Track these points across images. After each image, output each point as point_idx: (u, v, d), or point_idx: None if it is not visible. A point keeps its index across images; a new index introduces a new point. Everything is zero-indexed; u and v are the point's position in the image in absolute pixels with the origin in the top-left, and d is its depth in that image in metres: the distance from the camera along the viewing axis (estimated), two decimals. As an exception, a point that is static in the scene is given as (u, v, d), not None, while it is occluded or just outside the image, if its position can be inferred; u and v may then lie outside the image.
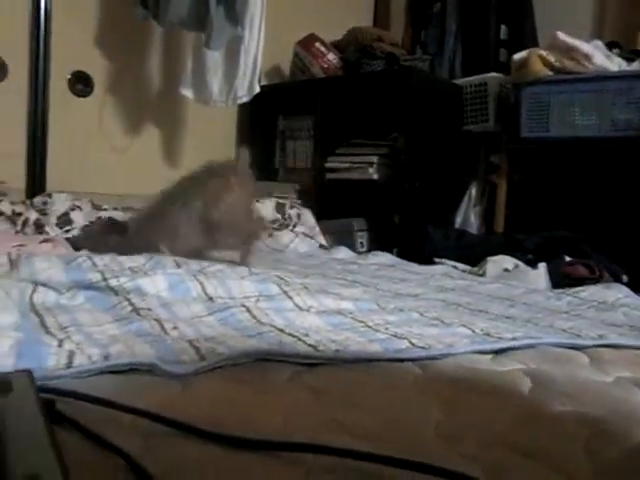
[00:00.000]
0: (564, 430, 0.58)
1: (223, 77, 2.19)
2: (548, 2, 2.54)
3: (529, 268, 1.70)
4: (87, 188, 2.10)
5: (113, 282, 1.03)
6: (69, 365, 0.65)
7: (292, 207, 2.29)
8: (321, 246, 2.15)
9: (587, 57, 1.99)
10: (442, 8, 2.72)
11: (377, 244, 2.28)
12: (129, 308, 0.94)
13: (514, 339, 0.87)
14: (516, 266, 1.73)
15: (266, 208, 2.21)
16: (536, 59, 2.02)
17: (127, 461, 0.41)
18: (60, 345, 0.72)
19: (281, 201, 2.30)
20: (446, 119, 2.40)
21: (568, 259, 1.75)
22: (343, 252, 1.95)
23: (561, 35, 2.03)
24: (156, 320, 0.87)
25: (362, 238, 2.32)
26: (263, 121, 2.68)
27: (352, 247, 2.13)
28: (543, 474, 0.49)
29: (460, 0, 2.67)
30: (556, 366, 0.77)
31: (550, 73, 2.06)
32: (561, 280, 1.59)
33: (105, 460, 0.43)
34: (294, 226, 2.20)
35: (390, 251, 2.04)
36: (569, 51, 2.01)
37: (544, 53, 2.05)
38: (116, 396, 0.54)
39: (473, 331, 0.93)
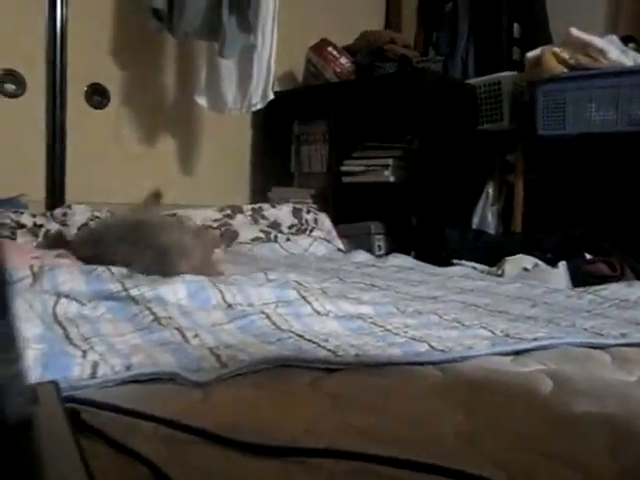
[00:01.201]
0: (587, 431, 0.57)
1: (237, 85, 2.21)
2: (561, -1, 2.52)
3: (549, 267, 1.69)
4: (105, 198, 2.13)
5: (134, 292, 1.05)
6: (93, 375, 0.66)
7: (309, 212, 2.30)
8: (339, 250, 2.15)
9: (602, 52, 1.97)
10: (454, 8, 2.72)
11: (394, 247, 2.28)
12: (150, 317, 0.95)
13: (535, 340, 0.87)
14: (535, 265, 1.72)
15: (283, 213, 2.22)
16: (550, 56, 2.00)
17: (152, 469, 0.42)
18: (84, 356, 0.73)
19: (298, 206, 2.31)
20: (460, 119, 2.39)
21: (588, 257, 1.73)
22: (361, 255, 1.96)
23: (575, 31, 2.01)
24: (177, 329, 0.88)
25: (379, 241, 2.32)
26: (278, 127, 2.69)
27: (370, 250, 2.14)
28: (566, 475, 0.48)
29: (472, 0, 2.66)
30: (578, 366, 0.76)
31: (565, 70, 2.04)
32: (582, 278, 1.57)
33: (130, 468, 0.44)
34: (311, 230, 2.21)
35: (408, 253, 2.03)
36: (584, 47, 1.99)
37: (558, 50, 2.03)
38: (139, 405, 0.55)
39: (493, 332, 0.92)
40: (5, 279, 0.13)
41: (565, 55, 2.00)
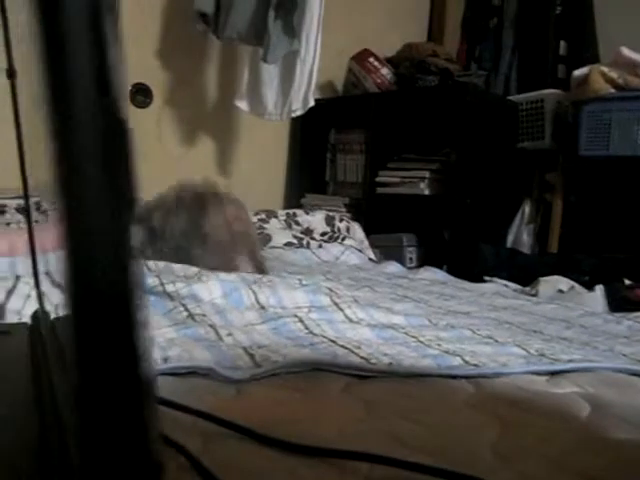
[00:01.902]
0: (625, 458, 0.56)
1: (278, 90, 2.23)
2: (611, 16, 2.48)
3: (585, 290, 1.65)
4: (144, 196, 2.17)
5: (169, 287, 1.06)
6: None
7: (342, 220, 2.30)
8: (370, 260, 2.15)
9: (652, 74, 1.93)
10: (499, 23, 2.70)
11: (426, 260, 2.26)
12: (185, 313, 0.97)
13: (571, 361, 0.85)
14: (571, 288, 1.68)
15: (316, 220, 2.23)
16: (598, 75, 1.97)
17: (190, 460, 0.42)
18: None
19: (331, 214, 2.31)
20: (500, 136, 2.37)
21: (627, 282, 1.68)
22: (393, 266, 1.95)
23: (625, 50, 1.97)
24: (211, 326, 0.89)
25: (411, 253, 2.31)
26: (315, 134, 2.71)
27: (401, 262, 2.12)
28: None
29: (518, 15, 2.64)
30: (616, 392, 0.75)
31: (612, 90, 2.00)
32: (620, 304, 1.53)
33: (170, 458, 0.45)
34: (343, 239, 2.21)
35: (439, 267, 2.01)
36: (634, 67, 1.95)
37: (606, 69, 1.99)
38: (175, 397, 0.55)
39: (527, 351, 0.91)
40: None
41: (613, 75, 1.96)
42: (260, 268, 1.40)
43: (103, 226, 0.13)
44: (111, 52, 0.14)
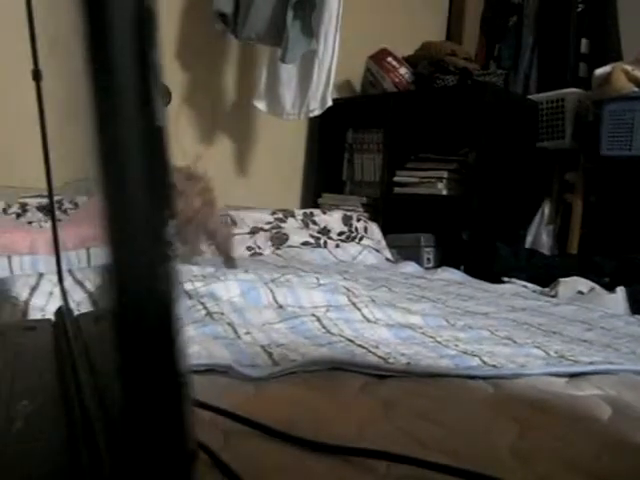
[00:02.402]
0: (649, 461, 0.55)
1: (296, 90, 2.24)
2: (634, 13, 2.44)
3: (605, 292, 1.63)
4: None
5: (188, 286, 1.07)
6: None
7: (359, 220, 2.30)
8: (387, 260, 2.14)
9: (676, 72, 1.90)
10: (518, 21, 2.67)
11: (443, 260, 2.25)
12: (203, 312, 0.97)
13: (592, 363, 0.84)
14: (591, 289, 1.66)
15: (333, 220, 2.23)
16: (620, 74, 1.94)
17: (212, 457, 0.43)
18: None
19: (348, 213, 2.31)
20: (520, 135, 2.35)
21: (649, 284, 1.66)
22: (410, 267, 1.94)
23: (648, 49, 1.95)
24: (229, 324, 0.89)
25: (429, 253, 2.30)
26: (332, 134, 2.71)
27: (418, 262, 2.12)
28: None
29: (538, 12, 2.61)
30: (638, 395, 0.74)
31: (635, 89, 1.97)
32: (643, 306, 1.51)
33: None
34: (360, 239, 2.21)
35: (457, 267, 2.00)
36: (657, 66, 1.93)
37: (629, 68, 1.96)
38: (195, 395, 0.56)
39: (547, 353, 0.90)
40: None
41: (637, 73, 1.93)
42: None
43: (144, 223, 0.14)
44: (154, 60, 0.15)
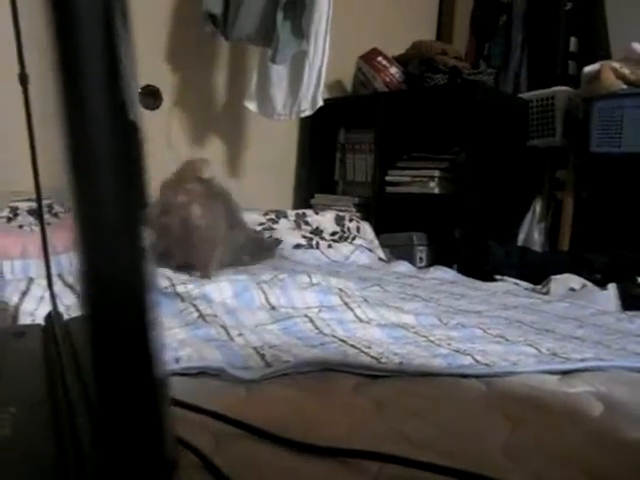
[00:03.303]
0: (638, 457, 0.55)
1: (287, 91, 2.23)
2: (622, 12, 2.45)
3: (597, 288, 1.64)
4: (154, 197, 2.18)
5: (180, 289, 1.07)
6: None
7: (351, 220, 2.30)
8: (380, 259, 2.15)
9: (664, 69, 1.91)
10: (508, 20, 2.68)
11: (436, 259, 2.25)
12: (196, 314, 0.97)
13: (583, 360, 0.84)
14: (583, 286, 1.67)
15: (326, 220, 2.23)
16: (609, 72, 1.95)
17: (202, 459, 0.43)
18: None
19: (341, 214, 2.31)
20: (510, 133, 2.35)
21: (640, 280, 1.67)
22: (403, 266, 1.94)
23: (637, 46, 1.95)
24: (222, 326, 0.89)
25: (421, 252, 2.30)
26: (324, 134, 2.71)
27: (411, 261, 2.12)
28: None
29: (527, 11, 2.62)
30: (629, 391, 0.74)
31: (624, 86, 1.98)
32: (632, 302, 1.52)
33: (180, 456, 0.45)
34: (353, 239, 2.21)
35: (449, 266, 2.01)
36: (646, 63, 1.94)
37: (617, 65, 1.97)
38: (186, 397, 0.56)
39: (539, 350, 0.90)
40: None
41: (625, 71, 1.94)
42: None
43: (116, 227, 0.13)
44: (123, 56, 0.14)
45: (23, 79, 0.46)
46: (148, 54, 2.30)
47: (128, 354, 0.14)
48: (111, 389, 0.14)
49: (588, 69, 2.10)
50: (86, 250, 0.13)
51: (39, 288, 0.91)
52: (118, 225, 0.14)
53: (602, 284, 1.65)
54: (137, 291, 0.14)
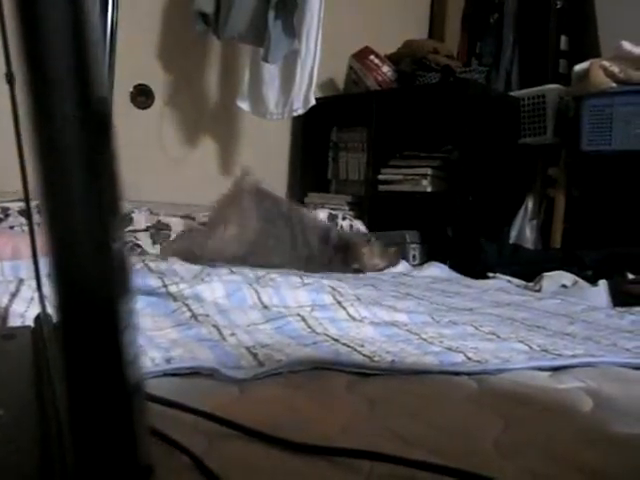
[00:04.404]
0: (629, 452, 0.56)
1: (279, 90, 2.23)
2: (612, 10, 2.47)
3: (588, 285, 1.65)
4: (145, 197, 2.17)
5: (172, 288, 1.07)
6: (134, 366, 0.67)
7: (344, 218, 2.30)
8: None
9: (654, 67, 1.92)
10: (499, 18, 2.69)
11: (429, 257, 2.26)
12: (188, 314, 0.97)
13: (574, 356, 0.85)
14: (574, 282, 1.68)
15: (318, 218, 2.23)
16: (599, 70, 1.96)
17: (194, 461, 0.43)
18: (125, 347, 0.75)
19: (333, 212, 2.31)
20: (502, 132, 2.36)
21: (631, 277, 1.68)
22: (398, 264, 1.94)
23: (626, 45, 1.97)
24: (214, 326, 0.89)
25: (414, 250, 2.31)
26: (316, 133, 2.71)
27: (404, 259, 2.12)
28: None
29: (518, 10, 2.63)
30: (619, 386, 0.75)
31: (614, 84, 2.00)
32: (623, 298, 1.53)
33: (172, 459, 0.45)
34: (346, 237, 2.21)
35: (442, 264, 2.01)
36: (634, 61, 1.95)
37: (607, 64, 1.98)
38: (178, 398, 0.56)
39: (530, 347, 0.91)
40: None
41: (615, 69, 1.95)
42: None
43: (86, 228, 0.13)
44: (92, 44, 0.14)
45: (10, 78, 0.46)
46: (140, 53, 2.30)
47: (99, 360, 0.14)
48: (82, 395, 0.13)
49: (578, 67, 2.11)
50: (55, 253, 0.13)
51: (29, 289, 0.91)
52: (88, 227, 0.13)
53: (593, 281, 1.66)
54: (109, 296, 0.13)
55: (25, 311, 0.86)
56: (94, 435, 0.14)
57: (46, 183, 0.13)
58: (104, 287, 0.13)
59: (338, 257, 1.66)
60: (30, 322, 0.54)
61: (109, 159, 0.14)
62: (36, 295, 0.87)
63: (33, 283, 0.90)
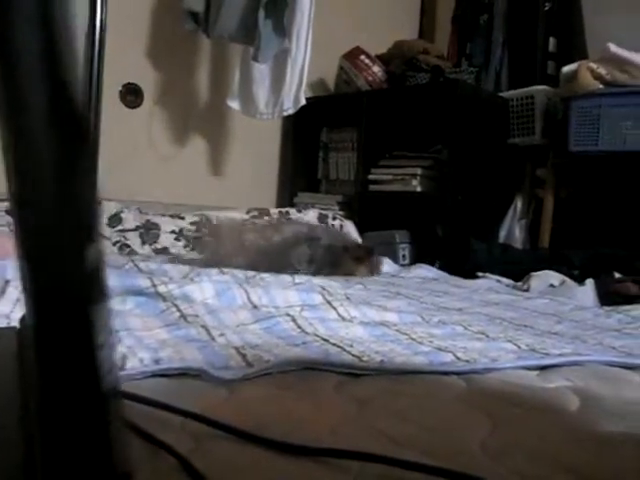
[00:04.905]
0: (615, 451, 0.56)
1: (270, 89, 2.23)
2: (599, 13, 2.49)
3: (575, 284, 1.66)
4: (134, 196, 2.16)
5: (162, 288, 1.06)
6: (122, 367, 0.67)
7: (334, 218, 2.31)
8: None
9: (640, 69, 1.94)
10: (489, 19, 2.71)
11: (419, 256, 2.27)
12: (177, 314, 0.96)
13: (561, 355, 0.85)
14: (562, 282, 1.69)
15: (309, 218, 2.23)
16: (586, 72, 1.98)
17: (180, 461, 0.43)
18: (113, 348, 0.74)
19: (324, 212, 2.32)
20: (491, 132, 2.37)
21: (617, 276, 1.70)
22: (386, 264, 1.95)
23: (613, 47, 1.99)
24: (203, 327, 0.89)
25: (404, 250, 2.31)
26: (306, 133, 2.71)
27: (394, 259, 2.13)
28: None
29: (508, 11, 2.65)
30: (606, 385, 0.75)
31: (601, 86, 2.01)
32: (610, 298, 1.54)
33: (159, 460, 0.45)
34: (336, 237, 2.21)
35: (432, 264, 2.02)
36: (621, 63, 1.97)
37: (594, 65, 2.00)
38: (166, 399, 0.55)
39: (518, 346, 0.91)
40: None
41: (602, 71, 1.97)
42: None
43: (58, 231, 0.13)
44: (64, 32, 0.13)
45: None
46: (129, 52, 2.28)
47: (71, 365, 0.13)
48: (54, 401, 0.13)
49: (566, 69, 2.13)
50: (27, 256, 0.13)
51: (15, 290, 0.90)
52: (60, 230, 0.13)
53: (580, 280, 1.67)
54: (82, 300, 0.13)
55: (11, 312, 0.85)
56: (67, 442, 0.14)
57: (16, 176, 0.13)
58: (77, 290, 0.13)
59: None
60: (15, 323, 0.53)
61: (83, 152, 0.14)
62: (22, 296, 0.87)
63: (19, 284, 0.89)
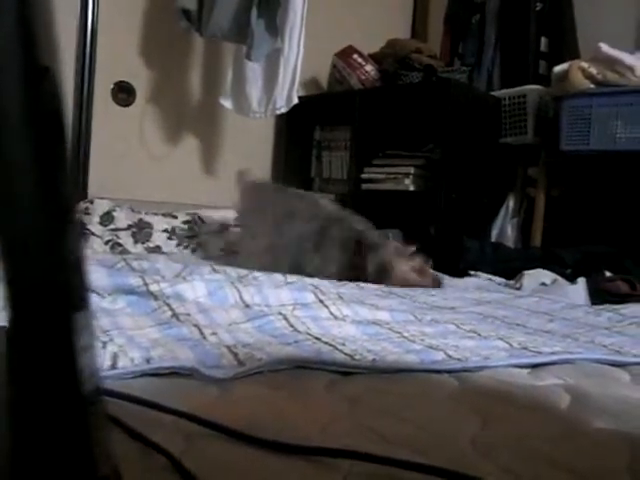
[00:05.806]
0: (605, 447, 0.57)
1: (262, 88, 2.23)
2: (590, 14, 2.50)
3: (567, 283, 1.67)
4: (126, 195, 2.15)
5: (153, 287, 1.06)
6: (113, 367, 0.67)
7: (327, 217, 2.30)
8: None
9: (631, 69, 1.95)
10: (481, 19, 2.71)
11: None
12: (169, 313, 0.96)
13: (553, 354, 0.86)
14: (554, 280, 1.70)
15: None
16: (577, 71, 1.99)
17: (171, 460, 0.42)
18: (104, 347, 0.74)
19: (316, 211, 2.31)
20: (484, 131, 2.38)
21: (608, 274, 1.71)
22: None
23: (604, 47, 2.00)
24: (195, 325, 0.88)
25: (397, 249, 2.31)
26: (300, 131, 2.70)
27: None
28: (584, 491, 0.48)
29: (500, 11, 2.66)
30: (596, 382, 0.76)
31: (592, 86, 2.03)
32: (601, 296, 1.55)
33: (149, 459, 0.45)
34: (329, 236, 2.20)
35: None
36: (612, 63, 1.98)
37: (586, 65, 2.01)
38: (158, 398, 0.55)
39: (510, 345, 0.92)
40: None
41: (593, 70, 1.98)
42: None
43: (35, 233, 0.13)
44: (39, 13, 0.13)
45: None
46: (121, 50, 2.27)
47: (52, 371, 0.13)
48: (32, 404, 0.13)
49: (558, 68, 2.14)
50: (6, 260, 0.13)
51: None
52: (36, 231, 0.13)
53: (572, 279, 1.68)
54: (60, 303, 0.13)
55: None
56: (47, 446, 0.14)
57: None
58: (58, 295, 0.13)
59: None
60: (4, 322, 0.53)
61: (59, 158, 0.14)
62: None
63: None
